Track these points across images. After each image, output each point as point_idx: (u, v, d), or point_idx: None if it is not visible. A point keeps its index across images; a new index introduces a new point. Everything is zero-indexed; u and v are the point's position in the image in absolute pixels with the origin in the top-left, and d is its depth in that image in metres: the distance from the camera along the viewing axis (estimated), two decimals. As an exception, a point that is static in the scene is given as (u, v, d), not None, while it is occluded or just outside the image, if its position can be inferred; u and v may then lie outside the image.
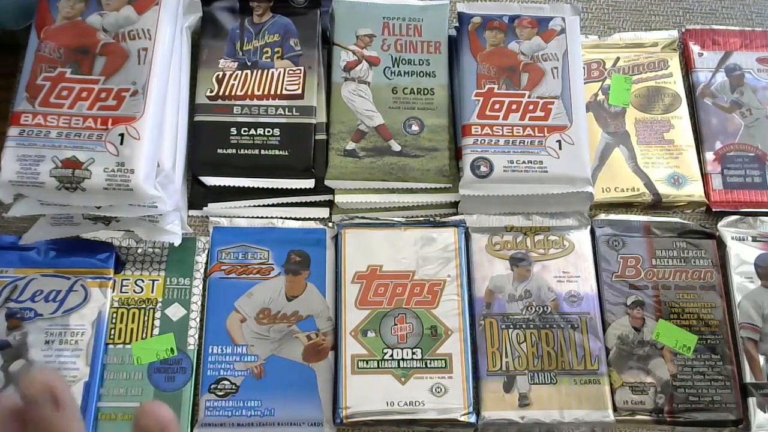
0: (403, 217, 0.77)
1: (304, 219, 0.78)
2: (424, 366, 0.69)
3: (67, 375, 0.68)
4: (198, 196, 0.78)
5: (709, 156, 0.82)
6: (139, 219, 0.71)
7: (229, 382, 0.69)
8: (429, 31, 0.82)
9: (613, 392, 0.70)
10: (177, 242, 0.72)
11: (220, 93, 0.76)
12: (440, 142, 0.77)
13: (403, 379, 0.69)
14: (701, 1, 0.93)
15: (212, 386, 0.69)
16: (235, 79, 0.77)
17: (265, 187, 0.76)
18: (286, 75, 0.77)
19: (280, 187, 0.76)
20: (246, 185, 0.76)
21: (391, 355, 0.70)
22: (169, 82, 0.71)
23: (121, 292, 0.72)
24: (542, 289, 0.73)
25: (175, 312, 0.72)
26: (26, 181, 0.65)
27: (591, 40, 0.87)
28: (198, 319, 0.72)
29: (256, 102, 0.76)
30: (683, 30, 0.89)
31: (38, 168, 0.65)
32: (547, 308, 0.73)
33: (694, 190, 0.80)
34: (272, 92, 0.76)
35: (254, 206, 0.77)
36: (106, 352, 0.70)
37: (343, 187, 0.76)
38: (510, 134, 0.75)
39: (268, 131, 0.75)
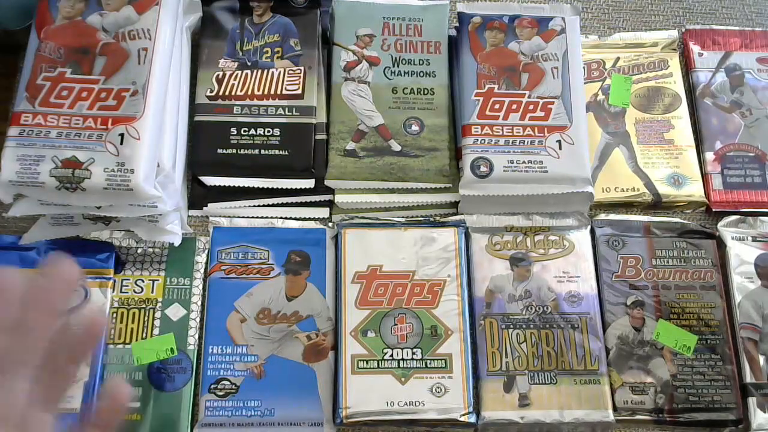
0: (403, 217, 0.77)
1: (304, 219, 0.78)
2: (424, 366, 0.69)
3: (67, 375, 0.68)
4: (198, 196, 0.78)
5: (709, 156, 0.81)
6: (139, 219, 0.71)
7: (229, 382, 0.69)
8: (429, 31, 0.82)
9: (613, 392, 0.70)
10: (177, 242, 0.72)
11: (220, 93, 0.76)
12: (440, 142, 0.77)
13: (403, 379, 0.69)
14: (701, 1, 0.93)
15: (212, 386, 0.69)
16: (235, 79, 0.77)
17: (265, 187, 0.76)
18: (286, 75, 0.77)
19: (280, 187, 0.76)
20: (246, 185, 0.76)
21: (391, 355, 0.70)
22: (169, 82, 0.71)
23: (121, 292, 0.72)
24: (542, 289, 0.73)
25: (175, 312, 0.72)
26: (26, 181, 0.65)
27: (591, 40, 0.87)
28: (198, 319, 0.72)
29: (256, 102, 0.76)
30: (683, 30, 0.89)
31: (38, 168, 0.65)
32: (547, 308, 0.73)
33: (694, 190, 0.80)
34: (272, 92, 0.76)
35: (254, 206, 0.77)
36: (106, 352, 0.70)
37: (343, 187, 0.76)
38: (510, 134, 0.75)
39: (268, 131, 0.75)
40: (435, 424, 0.69)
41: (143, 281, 0.73)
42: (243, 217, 0.77)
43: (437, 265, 0.73)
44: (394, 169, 0.76)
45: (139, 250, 0.74)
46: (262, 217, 0.77)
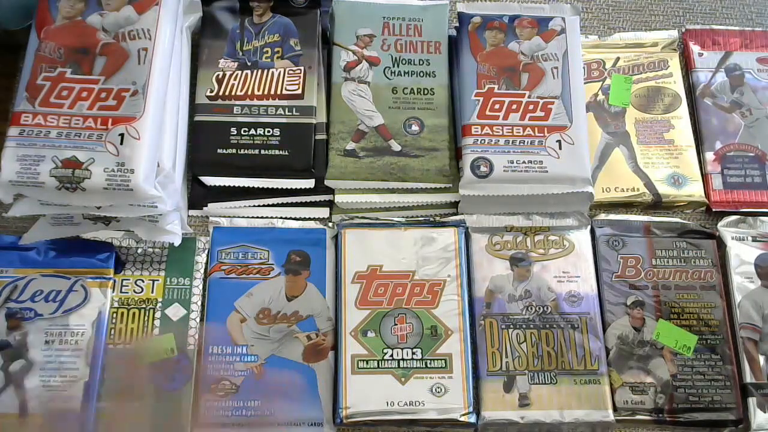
0: (403, 217, 0.77)
1: (304, 219, 0.78)
2: (424, 366, 0.69)
3: (67, 375, 0.68)
4: (198, 196, 0.78)
5: (709, 156, 0.81)
6: (139, 219, 0.71)
7: (229, 382, 0.69)
8: (429, 31, 0.82)
9: (613, 392, 0.70)
10: (177, 242, 0.72)
11: (220, 93, 0.76)
12: (440, 142, 0.77)
13: (403, 379, 0.69)
14: (701, 1, 0.93)
15: (212, 386, 0.69)
16: (235, 79, 0.77)
17: (265, 187, 0.76)
18: (286, 75, 0.77)
19: (280, 187, 0.76)
20: (246, 185, 0.76)
21: (391, 355, 0.70)
22: (169, 82, 0.71)
23: (121, 292, 0.72)
24: (542, 289, 0.73)
25: (175, 312, 0.72)
26: (26, 181, 0.65)
27: (591, 40, 0.87)
28: (198, 319, 0.72)
29: (256, 102, 0.76)
30: (683, 30, 0.89)
31: (38, 168, 0.65)
32: (547, 308, 0.73)
33: (694, 190, 0.80)
34: (272, 92, 0.76)
35: (254, 206, 0.77)
36: (106, 352, 0.70)
37: (343, 187, 0.76)
38: (510, 134, 0.75)
39: (268, 131, 0.75)
40: (435, 424, 0.69)
41: (143, 281, 0.73)
42: (243, 217, 0.77)
43: (437, 265, 0.73)
44: (394, 169, 0.76)
45: (139, 250, 0.74)
46: (262, 217, 0.77)
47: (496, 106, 0.76)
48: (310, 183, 0.76)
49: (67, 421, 0.33)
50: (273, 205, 0.77)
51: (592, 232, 0.77)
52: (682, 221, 0.78)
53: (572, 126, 0.75)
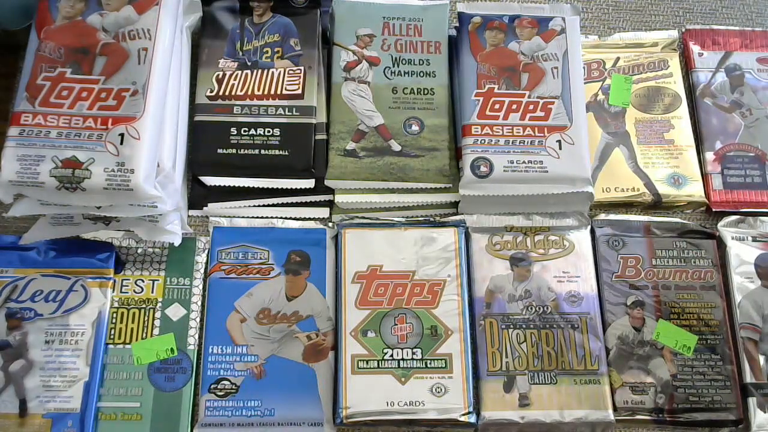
0: (403, 217, 0.77)
1: (304, 219, 0.78)
2: (424, 366, 0.69)
3: (67, 375, 0.68)
4: (198, 196, 0.78)
5: (709, 156, 0.82)
6: (139, 219, 0.71)
7: (229, 382, 0.69)
8: (429, 31, 0.82)
9: (613, 392, 0.70)
10: (177, 242, 0.72)
11: (220, 93, 0.76)
12: (440, 142, 0.77)
13: (403, 379, 0.69)
14: (701, 1, 0.93)
15: (212, 386, 0.69)
16: (235, 79, 0.77)
17: (265, 187, 0.76)
18: (286, 75, 0.77)
19: (280, 187, 0.76)
20: (246, 185, 0.76)
21: (391, 355, 0.70)
22: (169, 82, 0.71)
23: (121, 292, 0.72)
24: (542, 289, 0.73)
25: (175, 312, 0.72)
26: (26, 181, 0.65)
27: (591, 40, 0.87)
28: (198, 319, 0.72)
29: (256, 102, 0.76)
30: (683, 30, 0.89)
31: (38, 168, 0.65)
32: (547, 308, 0.73)
33: (694, 190, 0.80)
34: (272, 92, 0.76)
35: (254, 206, 0.77)
36: (106, 352, 0.70)
37: (343, 187, 0.76)
38: (510, 134, 0.75)
39: (268, 131, 0.75)
40: (435, 424, 0.69)
41: (143, 281, 0.73)
42: (243, 217, 0.77)
43: (437, 265, 0.73)
44: (394, 169, 0.76)
45: (139, 250, 0.74)
46: (262, 217, 0.77)
47: (496, 106, 0.76)
48: (310, 183, 0.76)
49: None
50: (273, 205, 0.77)
51: (592, 232, 0.77)
52: (682, 221, 0.78)
53: (572, 126, 0.75)
